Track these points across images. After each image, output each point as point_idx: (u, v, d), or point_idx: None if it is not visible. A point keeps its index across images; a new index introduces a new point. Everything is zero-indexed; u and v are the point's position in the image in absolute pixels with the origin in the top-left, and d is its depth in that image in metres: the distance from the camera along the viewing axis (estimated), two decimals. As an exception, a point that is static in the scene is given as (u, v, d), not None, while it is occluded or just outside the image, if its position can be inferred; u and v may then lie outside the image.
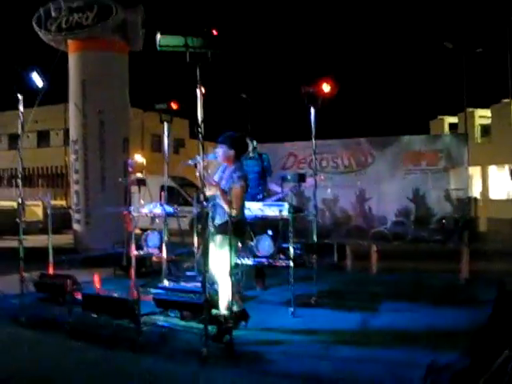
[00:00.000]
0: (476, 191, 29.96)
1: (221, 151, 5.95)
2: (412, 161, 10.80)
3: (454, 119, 37.68)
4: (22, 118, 6.38)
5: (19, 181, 6.40)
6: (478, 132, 35.32)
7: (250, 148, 7.82)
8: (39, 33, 13.30)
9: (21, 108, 6.28)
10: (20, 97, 6.20)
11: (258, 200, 7.34)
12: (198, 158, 5.57)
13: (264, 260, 6.74)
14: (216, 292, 5.61)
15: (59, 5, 12.98)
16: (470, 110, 33.06)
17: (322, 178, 10.35)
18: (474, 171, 30.90)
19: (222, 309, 5.39)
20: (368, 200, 10.69)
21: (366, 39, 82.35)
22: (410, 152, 10.86)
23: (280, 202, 6.73)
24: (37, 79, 6.79)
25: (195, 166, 6.05)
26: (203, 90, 4.97)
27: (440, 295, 7.49)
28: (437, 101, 73.72)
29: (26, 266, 6.84)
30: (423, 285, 8.26)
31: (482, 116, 35.69)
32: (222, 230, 5.67)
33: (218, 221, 5.79)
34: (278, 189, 7.56)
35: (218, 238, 5.71)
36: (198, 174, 5.66)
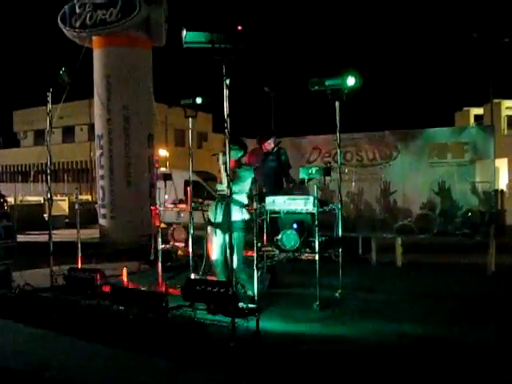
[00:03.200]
0: (503, 184, 29.55)
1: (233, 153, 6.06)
2: (437, 153, 10.67)
3: (479, 110, 37.14)
4: (50, 114, 6.46)
5: (48, 177, 6.49)
6: (504, 123, 34.76)
7: (271, 144, 7.87)
8: (64, 30, 13.46)
9: (49, 105, 6.37)
10: (49, 94, 6.29)
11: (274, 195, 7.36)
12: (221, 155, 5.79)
13: (289, 254, 6.76)
14: (242, 285, 5.68)
15: (83, 1, 13.12)
16: (497, 101, 32.53)
17: (346, 171, 10.33)
18: (501, 163, 30.42)
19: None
20: (393, 193, 10.63)
21: (391, 31, 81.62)
22: (435, 144, 10.73)
23: (305, 196, 6.73)
24: (63, 75, 6.89)
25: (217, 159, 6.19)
26: (228, 85, 4.99)
27: (466, 289, 7.43)
28: (462, 92, 72.86)
29: (55, 260, 6.97)
30: (449, 278, 8.21)
31: (509, 107, 35.08)
32: (238, 227, 5.98)
33: (235, 217, 5.92)
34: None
35: (236, 234, 5.87)
36: (222, 166, 5.88)
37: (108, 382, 4.27)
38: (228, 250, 5.83)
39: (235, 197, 6.06)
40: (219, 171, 6.39)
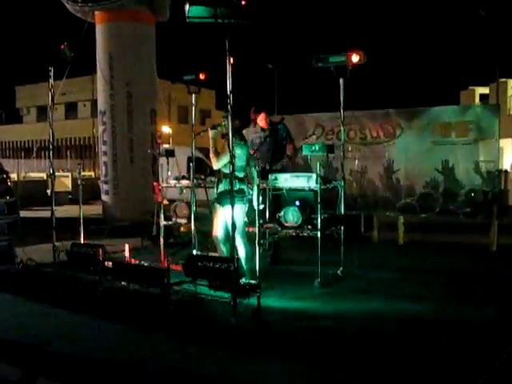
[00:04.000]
0: (506, 164, 29.42)
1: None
2: (441, 132, 10.64)
3: (485, 90, 36.84)
4: (52, 90, 6.43)
5: (51, 153, 6.48)
6: (510, 103, 34.50)
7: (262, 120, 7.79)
8: (66, 4, 13.32)
9: (51, 81, 6.33)
10: (51, 69, 6.24)
11: (269, 171, 7.32)
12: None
13: (291, 231, 6.77)
14: (243, 261, 5.72)
15: (86, -24, 12.96)
16: (503, 80, 32.23)
17: (350, 149, 10.30)
18: (505, 143, 30.27)
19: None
20: (396, 171, 10.61)
21: (396, 7, 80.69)
22: (439, 123, 10.70)
23: (308, 173, 6.72)
24: (65, 50, 6.84)
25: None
26: (232, 61, 4.95)
27: (468, 268, 7.45)
28: (468, 71, 72.24)
29: (57, 235, 7.00)
30: (451, 257, 8.22)
31: (515, 87, 34.80)
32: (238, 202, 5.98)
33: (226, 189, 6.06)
34: None
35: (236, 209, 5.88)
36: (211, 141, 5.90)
37: (109, 356, 4.31)
38: (229, 226, 5.92)
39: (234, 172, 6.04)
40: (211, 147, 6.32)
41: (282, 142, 7.81)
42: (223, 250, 6.34)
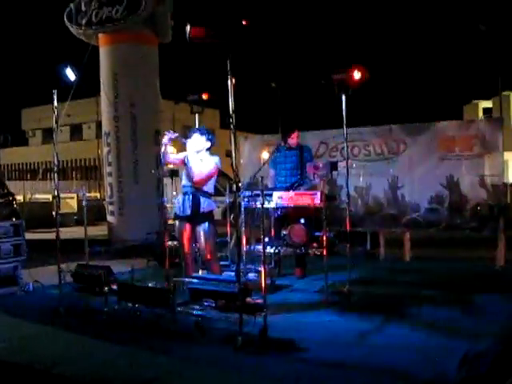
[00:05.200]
0: (512, 177, 29.35)
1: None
2: (445, 147, 10.64)
3: (488, 103, 36.94)
4: (56, 112, 6.48)
5: (55, 174, 6.51)
6: (513, 116, 34.53)
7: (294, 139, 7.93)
8: (70, 28, 13.48)
9: (55, 103, 6.38)
10: (54, 92, 6.30)
11: (295, 189, 7.42)
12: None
13: (297, 249, 6.76)
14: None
15: (89, -1, 13.12)
16: (506, 93, 32.31)
17: (354, 166, 10.30)
18: (510, 156, 30.25)
19: None
20: (401, 187, 10.59)
21: (397, 23, 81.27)
22: (443, 138, 10.70)
23: (312, 191, 6.72)
24: (69, 73, 6.91)
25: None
26: (234, 81, 4.98)
27: (475, 283, 7.40)
28: (471, 85, 72.45)
29: (63, 257, 6.99)
30: (458, 272, 8.17)
31: (518, 100, 34.89)
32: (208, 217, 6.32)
33: (205, 209, 6.25)
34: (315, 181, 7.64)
35: (207, 225, 6.29)
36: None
37: (115, 378, 4.28)
38: (200, 242, 6.31)
39: (205, 189, 6.22)
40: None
41: (306, 163, 7.89)
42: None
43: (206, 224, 6.30)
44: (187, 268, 6.43)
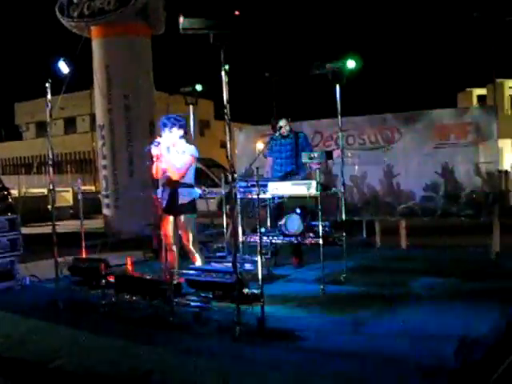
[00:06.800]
0: (507, 164, 29.43)
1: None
2: (440, 135, 10.59)
3: (482, 91, 36.94)
4: (49, 105, 6.45)
5: (50, 168, 6.48)
6: (507, 103, 34.58)
7: (284, 127, 7.87)
8: (62, 20, 13.40)
9: (48, 96, 6.35)
10: (48, 85, 6.26)
11: (292, 177, 7.41)
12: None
13: (293, 238, 6.77)
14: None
15: (81, -9, 13.03)
16: (500, 80, 32.32)
17: (350, 155, 10.28)
18: (505, 144, 30.34)
19: None
20: (396, 176, 10.60)
21: (391, 11, 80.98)
22: (437, 126, 10.65)
23: (308, 181, 6.72)
24: (62, 66, 6.87)
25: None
26: (227, 71, 4.96)
27: (471, 269, 7.43)
28: (465, 72, 72.39)
29: (59, 251, 6.98)
30: (454, 259, 8.21)
31: (512, 87, 34.92)
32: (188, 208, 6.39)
33: (183, 200, 6.29)
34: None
35: (184, 216, 6.38)
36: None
37: (113, 371, 4.29)
38: (183, 235, 6.43)
39: (183, 180, 6.25)
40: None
41: (303, 150, 7.84)
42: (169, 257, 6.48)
43: (186, 215, 6.39)
44: (169, 260, 6.42)
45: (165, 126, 6.40)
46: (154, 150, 6.25)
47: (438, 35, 77.90)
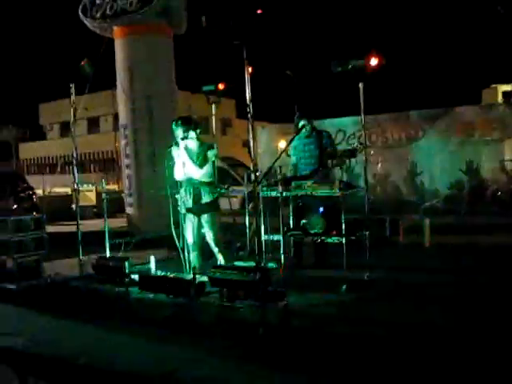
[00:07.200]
0: (532, 161, 28.96)
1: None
2: (464, 132, 10.52)
3: (507, 87, 36.32)
4: (73, 106, 6.51)
5: (74, 168, 6.56)
6: (533, 99, 33.98)
7: (305, 126, 7.83)
8: (85, 21, 13.50)
9: (73, 97, 6.42)
10: (72, 86, 6.33)
11: (315, 175, 7.38)
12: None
13: (316, 237, 6.75)
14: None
15: (103, -8, 13.13)
16: (525, 76, 31.76)
17: (372, 153, 10.23)
18: (530, 141, 29.80)
19: None
20: (419, 174, 10.51)
21: (414, 7, 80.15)
22: (462, 123, 10.58)
23: (331, 179, 6.70)
24: (86, 67, 6.94)
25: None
26: (250, 70, 4.96)
27: (496, 268, 7.33)
28: (489, 68, 71.47)
29: (83, 249, 7.06)
30: (479, 258, 8.10)
31: (538, 82, 34.29)
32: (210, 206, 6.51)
33: (206, 199, 6.42)
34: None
35: (207, 215, 6.49)
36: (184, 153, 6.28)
37: (136, 369, 4.31)
38: (207, 233, 6.52)
39: (204, 179, 6.31)
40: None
41: (327, 149, 7.79)
42: (197, 258, 6.63)
43: (209, 214, 6.48)
44: (192, 259, 6.52)
45: (178, 128, 6.48)
46: (175, 151, 6.31)
47: (462, 31, 77.00)
